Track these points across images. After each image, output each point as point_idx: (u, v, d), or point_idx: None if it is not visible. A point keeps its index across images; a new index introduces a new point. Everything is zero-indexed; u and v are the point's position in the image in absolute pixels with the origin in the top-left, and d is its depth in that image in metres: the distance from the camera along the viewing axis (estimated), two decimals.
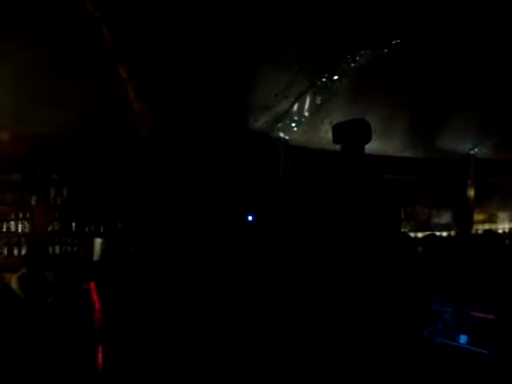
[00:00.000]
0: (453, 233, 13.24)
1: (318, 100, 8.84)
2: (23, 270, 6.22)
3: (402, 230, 8.66)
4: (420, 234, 12.06)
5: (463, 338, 2.65)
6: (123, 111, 7.79)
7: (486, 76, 9.68)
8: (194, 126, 8.43)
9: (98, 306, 4.03)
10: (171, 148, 8.60)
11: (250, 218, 6.87)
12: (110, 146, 8.35)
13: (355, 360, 2.77)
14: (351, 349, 2.78)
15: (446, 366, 2.70)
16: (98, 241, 7.43)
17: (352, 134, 3.77)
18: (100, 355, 3.52)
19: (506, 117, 11.54)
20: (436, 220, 13.31)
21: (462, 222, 13.44)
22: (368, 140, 3.80)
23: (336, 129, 3.83)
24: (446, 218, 13.50)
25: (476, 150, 13.32)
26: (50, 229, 8.08)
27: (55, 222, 8.12)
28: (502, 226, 14.63)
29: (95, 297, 4.18)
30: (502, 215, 14.81)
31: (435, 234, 10.06)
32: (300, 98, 8.78)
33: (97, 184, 8.37)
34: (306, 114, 9.07)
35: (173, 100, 7.87)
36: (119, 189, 8.46)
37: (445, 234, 12.87)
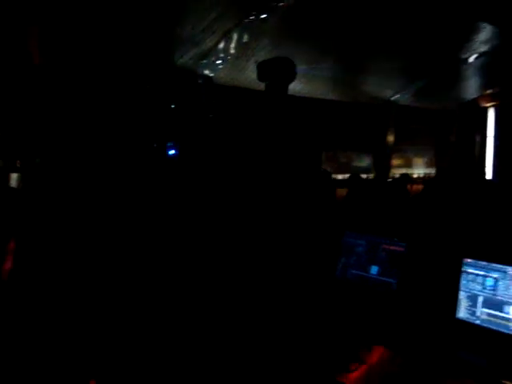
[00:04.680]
0: (371, 176, 13.73)
1: (245, 38, 8.71)
2: None
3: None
4: (340, 177, 12.44)
5: (374, 269, 2.80)
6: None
7: (410, 24, 9.82)
8: (117, 61, 8.13)
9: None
10: (92, 82, 8.29)
11: (172, 152, 6.78)
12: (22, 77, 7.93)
13: (271, 294, 2.87)
14: (265, 281, 2.88)
15: (357, 295, 2.85)
16: (13, 176, 7.17)
17: (276, 71, 3.94)
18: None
19: (429, 65, 11.84)
20: (356, 163, 13.71)
21: (381, 166, 13.93)
22: (292, 78, 3.96)
23: (261, 66, 4.06)
24: (365, 161, 13.92)
25: (398, 96, 13.69)
26: None
27: None
28: (417, 171, 15.33)
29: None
30: (417, 161, 15.47)
31: (359, 175, 10.39)
32: (227, 36, 8.62)
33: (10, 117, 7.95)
34: (233, 51, 8.94)
35: (94, 33, 7.52)
36: (36, 121, 8.09)
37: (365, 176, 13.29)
